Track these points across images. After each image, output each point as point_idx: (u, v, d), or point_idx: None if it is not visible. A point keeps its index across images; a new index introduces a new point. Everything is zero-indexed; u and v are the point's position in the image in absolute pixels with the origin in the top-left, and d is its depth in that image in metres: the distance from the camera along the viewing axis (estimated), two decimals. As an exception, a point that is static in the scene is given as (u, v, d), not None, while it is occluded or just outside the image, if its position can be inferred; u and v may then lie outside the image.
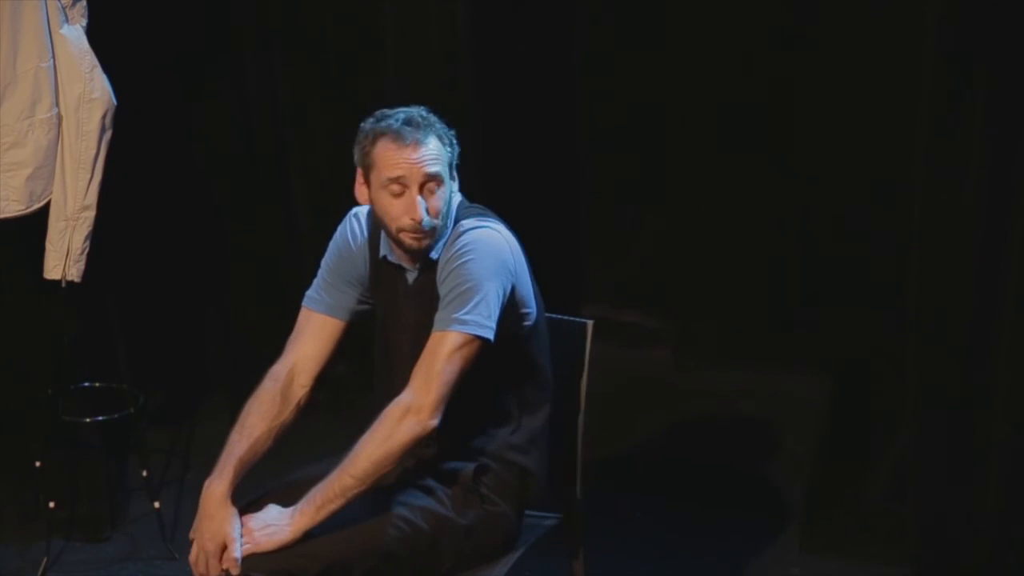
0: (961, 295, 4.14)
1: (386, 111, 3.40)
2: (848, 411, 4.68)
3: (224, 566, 3.25)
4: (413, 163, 3.33)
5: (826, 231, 4.93)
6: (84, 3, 4.29)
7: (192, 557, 3.31)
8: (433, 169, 3.33)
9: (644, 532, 4.64)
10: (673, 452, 4.99)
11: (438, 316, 3.34)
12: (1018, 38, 3.96)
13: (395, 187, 3.34)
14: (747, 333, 5.13)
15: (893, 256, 4.52)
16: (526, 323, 3.47)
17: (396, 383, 3.36)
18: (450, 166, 3.39)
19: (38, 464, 4.60)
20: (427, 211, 3.33)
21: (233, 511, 3.29)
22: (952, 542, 4.25)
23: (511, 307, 3.40)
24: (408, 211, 3.33)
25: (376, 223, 3.45)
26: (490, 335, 3.32)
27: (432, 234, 3.37)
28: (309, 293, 3.55)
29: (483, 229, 3.41)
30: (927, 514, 4.28)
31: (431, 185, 3.34)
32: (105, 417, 4.59)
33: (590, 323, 3.69)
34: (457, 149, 3.42)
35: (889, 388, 4.55)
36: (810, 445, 4.81)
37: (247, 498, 3.38)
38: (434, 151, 3.34)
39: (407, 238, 3.36)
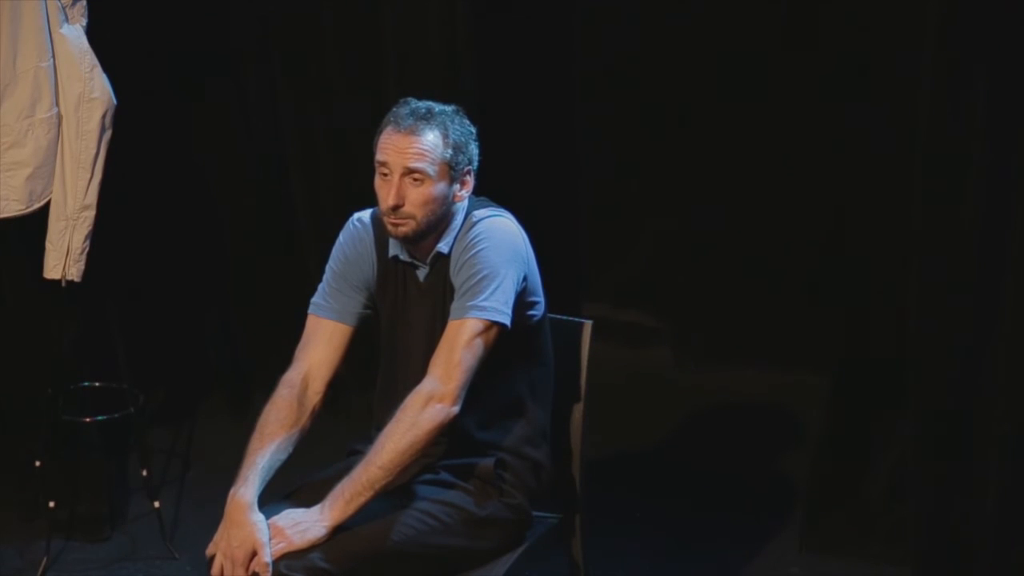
0: (961, 295, 4.14)
1: (412, 100, 3.43)
2: (848, 411, 4.68)
3: (254, 569, 3.24)
4: (399, 151, 3.35)
5: (826, 231, 4.93)
6: (84, 3, 4.28)
7: (215, 570, 3.28)
8: (414, 164, 3.35)
9: (644, 532, 4.64)
10: (673, 452, 4.99)
11: (455, 305, 3.37)
12: (1018, 38, 3.96)
13: (382, 170, 3.38)
14: (747, 333, 5.14)
15: (893, 256, 4.52)
16: (535, 313, 3.50)
17: (409, 381, 3.37)
18: (451, 168, 3.38)
19: (38, 464, 4.60)
20: (405, 201, 3.34)
21: (260, 517, 3.28)
22: (952, 542, 4.24)
23: (523, 296, 3.43)
24: (386, 195, 3.36)
25: (383, 224, 3.46)
26: (507, 321, 3.36)
27: (410, 224, 3.37)
28: (315, 300, 3.55)
29: (496, 218, 3.45)
30: (927, 514, 4.28)
31: (414, 176, 3.35)
32: (105, 417, 4.59)
33: (589, 323, 3.70)
34: (470, 156, 3.42)
35: (889, 388, 4.55)
36: (810, 445, 4.81)
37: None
38: (426, 146, 3.35)
39: (386, 222, 3.40)
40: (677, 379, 5.19)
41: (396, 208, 3.35)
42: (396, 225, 3.39)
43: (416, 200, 3.36)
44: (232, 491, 3.33)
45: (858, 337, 4.67)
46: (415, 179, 3.36)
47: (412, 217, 3.37)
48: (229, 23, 5.15)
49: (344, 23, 5.08)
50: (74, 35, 4.27)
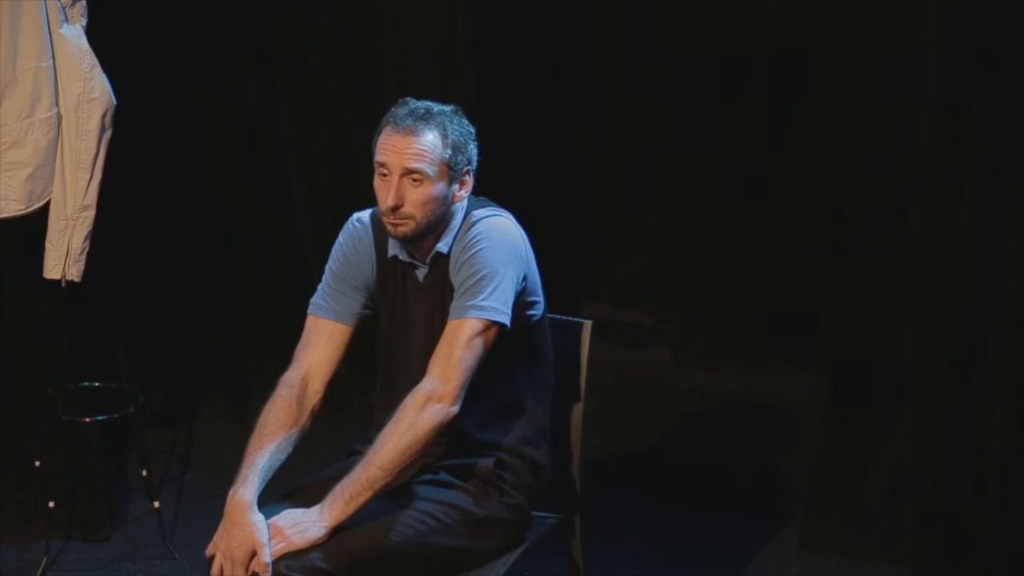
0: (961, 295, 4.14)
1: (410, 100, 3.42)
2: (848, 411, 4.68)
3: (253, 569, 3.24)
4: (398, 152, 3.35)
5: (826, 231, 4.93)
6: (84, 3, 4.28)
7: (215, 570, 3.28)
8: (412, 164, 3.34)
9: (644, 532, 4.64)
10: (673, 452, 4.99)
11: (454, 304, 3.37)
12: (1018, 38, 3.96)
13: (382, 170, 3.38)
14: (747, 333, 5.14)
15: (893, 256, 4.52)
16: (535, 313, 3.50)
17: (409, 381, 3.37)
18: (450, 168, 3.38)
19: (38, 464, 4.60)
20: (404, 201, 3.35)
21: (260, 517, 3.28)
22: (952, 542, 4.24)
23: (523, 296, 3.43)
24: (385, 195, 3.36)
25: (382, 224, 3.46)
26: (507, 321, 3.36)
27: (410, 224, 3.37)
28: (315, 300, 3.55)
29: (495, 218, 3.45)
30: (927, 514, 4.28)
31: (413, 177, 3.35)
32: (105, 417, 4.59)
33: (589, 323, 3.70)
34: (469, 156, 3.42)
35: (889, 388, 4.55)
36: (810, 445, 4.81)
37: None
38: (425, 146, 3.35)
39: (385, 222, 3.39)
40: (677, 379, 5.19)
41: (395, 208, 3.35)
42: (395, 226, 3.39)
43: (415, 200, 3.36)
44: (232, 491, 3.33)
45: (858, 337, 4.67)
46: (414, 179, 3.36)
47: (411, 217, 3.37)
48: (229, 23, 5.15)
49: (344, 23, 5.08)
50: (74, 35, 4.27)
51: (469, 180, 3.45)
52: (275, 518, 3.29)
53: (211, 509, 3.57)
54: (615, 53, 5.04)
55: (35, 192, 4.31)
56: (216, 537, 3.31)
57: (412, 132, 3.35)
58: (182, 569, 4.49)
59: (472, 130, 3.44)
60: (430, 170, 3.36)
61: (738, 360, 5.14)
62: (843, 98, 4.73)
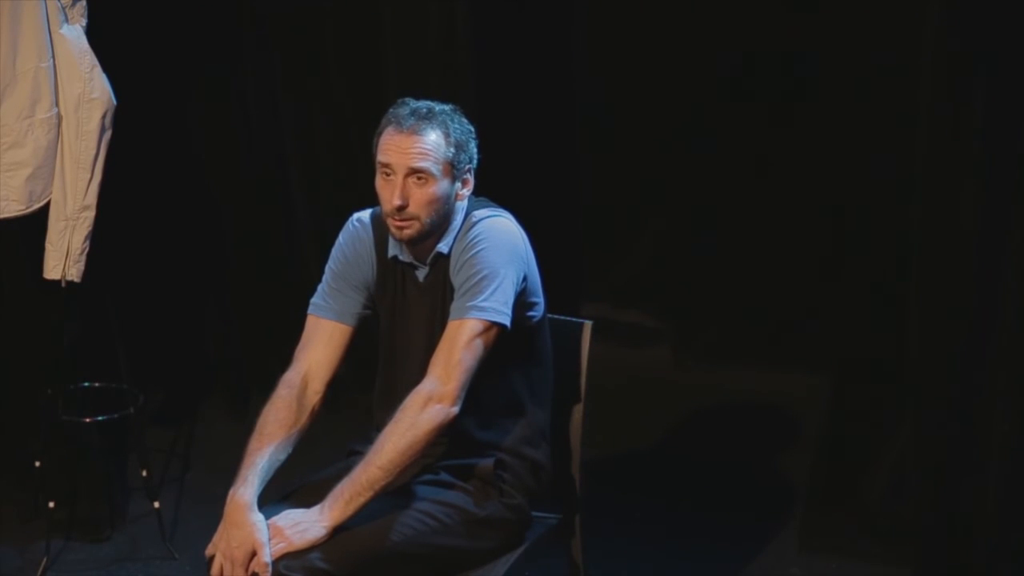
0: (961, 295, 4.14)
1: (410, 100, 3.42)
2: (848, 411, 4.68)
3: (253, 569, 3.24)
4: (402, 152, 3.35)
5: (826, 231, 4.93)
6: (84, 3, 4.28)
7: (215, 570, 3.28)
8: (417, 164, 3.34)
9: (644, 532, 4.64)
10: (673, 452, 4.99)
11: (455, 305, 3.37)
12: (1018, 38, 3.96)
13: (385, 171, 3.37)
14: (747, 333, 5.14)
15: (893, 257, 4.53)
16: (535, 314, 3.50)
17: (408, 382, 3.37)
18: (453, 167, 3.38)
19: (38, 464, 4.60)
20: (409, 201, 3.34)
21: (260, 518, 3.28)
22: (952, 542, 4.24)
23: (523, 297, 3.43)
24: (390, 196, 3.35)
25: (382, 224, 3.45)
26: (507, 321, 3.35)
27: (415, 225, 3.37)
28: (315, 300, 3.55)
29: (496, 218, 3.45)
30: (927, 514, 4.28)
31: (418, 176, 3.35)
32: (105, 417, 4.59)
33: (589, 323, 3.70)
34: (471, 154, 3.42)
35: (889, 388, 4.55)
36: (810, 445, 4.81)
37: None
38: (428, 146, 3.35)
39: (390, 224, 3.39)
40: (677, 379, 5.19)
41: (401, 208, 3.35)
42: (400, 228, 3.38)
43: (420, 200, 3.36)
44: (231, 491, 3.33)
45: (858, 337, 4.67)
46: (419, 179, 3.36)
47: (416, 218, 3.37)
48: (229, 23, 5.15)
49: (344, 23, 5.08)
50: (74, 35, 4.27)
51: (470, 179, 3.45)
52: (275, 518, 3.29)
53: (211, 509, 3.57)
54: (615, 53, 5.04)
55: (35, 192, 4.31)
56: (216, 537, 3.31)
57: (415, 131, 3.35)
58: (182, 569, 4.49)
59: (472, 128, 3.44)
60: (435, 169, 3.36)
61: (738, 360, 5.14)
62: (843, 98, 4.73)
